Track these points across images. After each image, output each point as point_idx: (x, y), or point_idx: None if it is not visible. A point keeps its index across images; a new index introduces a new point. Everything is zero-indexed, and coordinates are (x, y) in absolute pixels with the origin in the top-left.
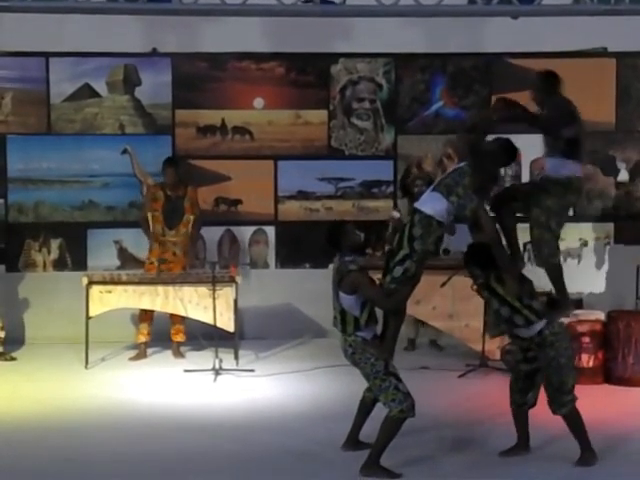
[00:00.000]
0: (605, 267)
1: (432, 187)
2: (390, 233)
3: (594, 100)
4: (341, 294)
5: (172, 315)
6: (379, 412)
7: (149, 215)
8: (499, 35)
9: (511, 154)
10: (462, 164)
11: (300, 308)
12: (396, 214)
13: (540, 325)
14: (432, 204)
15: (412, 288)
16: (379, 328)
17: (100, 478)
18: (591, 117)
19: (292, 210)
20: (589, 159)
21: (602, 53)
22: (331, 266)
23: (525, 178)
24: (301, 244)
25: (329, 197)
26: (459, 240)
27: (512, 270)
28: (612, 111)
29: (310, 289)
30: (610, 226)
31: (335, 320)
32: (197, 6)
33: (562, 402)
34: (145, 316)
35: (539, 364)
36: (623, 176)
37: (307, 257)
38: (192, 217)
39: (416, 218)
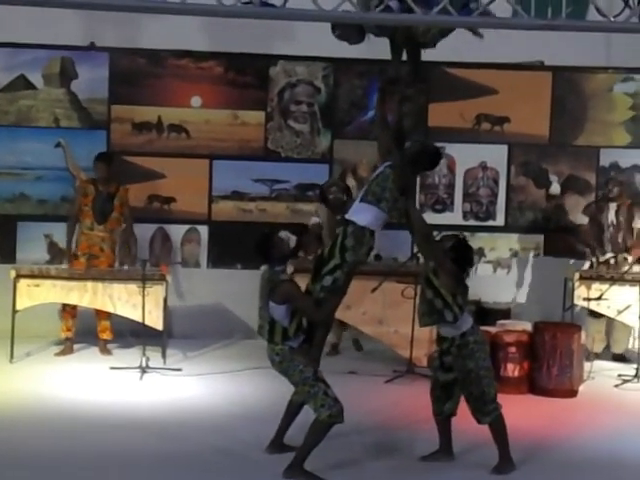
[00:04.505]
0: (534, 278)
1: (360, 197)
2: (310, 238)
3: (529, 113)
4: (272, 304)
5: (97, 312)
6: (306, 417)
7: (79, 210)
8: (437, 45)
9: (433, 159)
10: (382, 167)
11: (230, 308)
12: (315, 219)
13: (465, 326)
14: (364, 215)
15: (341, 298)
16: None
17: (21, 473)
18: (525, 130)
19: (226, 210)
20: (522, 171)
21: (538, 66)
22: (262, 268)
23: (459, 188)
24: (234, 244)
25: (264, 198)
26: (391, 247)
27: (445, 266)
28: (546, 124)
29: (241, 290)
30: (540, 238)
31: (261, 329)
32: (137, 2)
33: (486, 411)
34: (66, 313)
35: (456, 375)
36: (555, 189)
37: (239, 258)
38: (121, 217)
39: (349, 229)
